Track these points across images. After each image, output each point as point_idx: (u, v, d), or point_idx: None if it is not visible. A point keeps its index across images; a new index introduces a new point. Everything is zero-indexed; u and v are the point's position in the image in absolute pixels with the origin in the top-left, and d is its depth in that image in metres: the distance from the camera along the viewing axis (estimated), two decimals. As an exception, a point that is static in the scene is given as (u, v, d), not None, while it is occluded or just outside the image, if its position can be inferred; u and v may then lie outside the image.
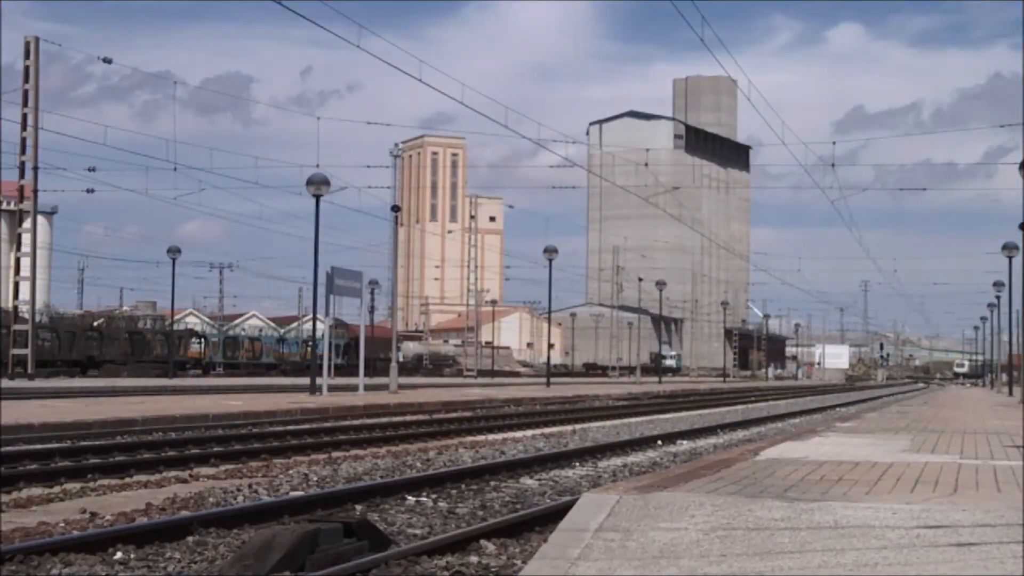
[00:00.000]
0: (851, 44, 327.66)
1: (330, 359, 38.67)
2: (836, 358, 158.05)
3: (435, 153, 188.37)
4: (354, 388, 36.70)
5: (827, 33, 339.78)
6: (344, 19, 23.57)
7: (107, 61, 41.34)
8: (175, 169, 41.69)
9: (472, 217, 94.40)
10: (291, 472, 13.06)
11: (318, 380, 32.19)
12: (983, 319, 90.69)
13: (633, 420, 27.59)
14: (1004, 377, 65.55)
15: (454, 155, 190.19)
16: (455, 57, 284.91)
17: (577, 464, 15.11)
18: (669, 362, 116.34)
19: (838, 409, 37.17)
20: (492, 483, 12.43)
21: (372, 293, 64.76)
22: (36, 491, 11.00)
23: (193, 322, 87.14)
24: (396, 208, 46.77)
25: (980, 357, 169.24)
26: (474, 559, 7.65)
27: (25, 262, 44.10)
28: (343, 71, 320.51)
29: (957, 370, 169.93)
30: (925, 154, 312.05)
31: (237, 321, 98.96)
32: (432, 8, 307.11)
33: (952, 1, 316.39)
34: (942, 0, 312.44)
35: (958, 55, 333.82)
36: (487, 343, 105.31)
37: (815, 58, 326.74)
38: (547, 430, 22.59)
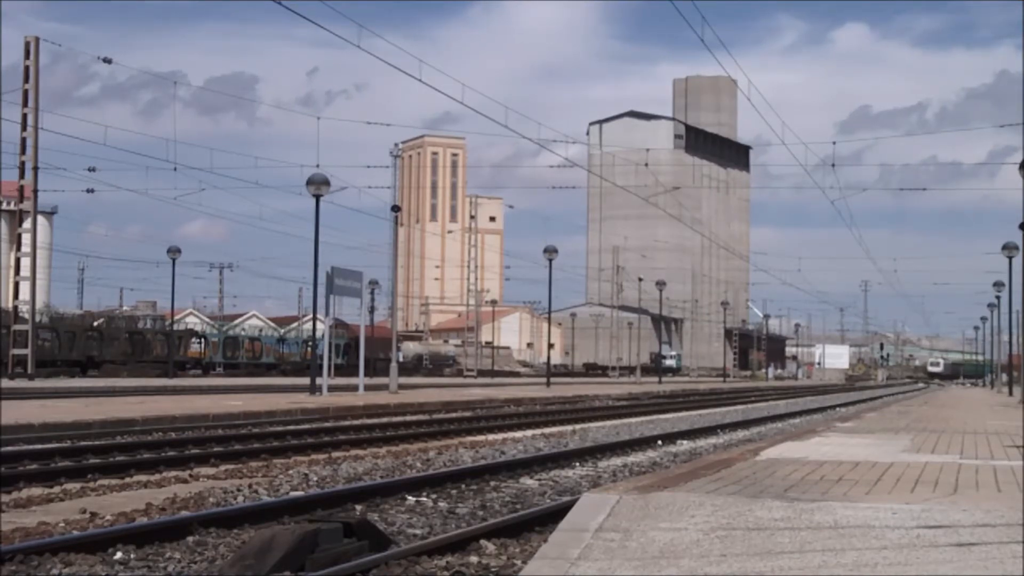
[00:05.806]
0: (856, 44, 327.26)
1: (330, 359, 38.66)
2: (836, 358, 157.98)
3: (435, 153, 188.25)
4: (354, 388, 36.71)
5: (832, 33, 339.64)
6: (345, 19, 23.51)
7: (107, 61, 41.38)
8: (175, 169, 41.82)
9: (472, 217, 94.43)
10: (291, 472, 13.05)
11: (318, 380, 32.20)
12: (983, 319, 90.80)
13: (633, 420, 27.60)
14: (1004, 377, 65.55)
15: (454, 155, 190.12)
16: (461, 57, 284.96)
17: (577, 464, 15.11)
18: (669, 362, 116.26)
19: (838, 409, 37.18)
20: (492, 483, 12.43)
21: (372, 293, 64.70)
22: (36, 491, 11.00)
23: (193, 322, 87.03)
24: (396, 208, 46.78)
25: (953, 355, 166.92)
26: (474, 559, 7.65)
27: (25, 262, 44.08)
28: (350, 71, 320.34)
29: (932, 369, 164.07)
30: (930, 154, 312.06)
31: (237, 321, 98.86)
32: (438, 8, 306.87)
33: (957, 1, 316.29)
34: (947, 0, 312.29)
35: (963, 55, 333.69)
36: (487, 343, 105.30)
37: (820, 58, 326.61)
38: (547, 430, 22.60)
